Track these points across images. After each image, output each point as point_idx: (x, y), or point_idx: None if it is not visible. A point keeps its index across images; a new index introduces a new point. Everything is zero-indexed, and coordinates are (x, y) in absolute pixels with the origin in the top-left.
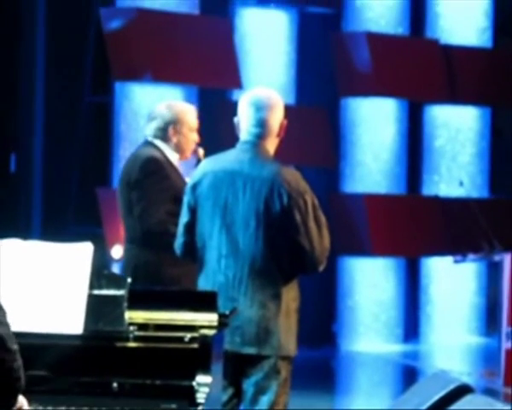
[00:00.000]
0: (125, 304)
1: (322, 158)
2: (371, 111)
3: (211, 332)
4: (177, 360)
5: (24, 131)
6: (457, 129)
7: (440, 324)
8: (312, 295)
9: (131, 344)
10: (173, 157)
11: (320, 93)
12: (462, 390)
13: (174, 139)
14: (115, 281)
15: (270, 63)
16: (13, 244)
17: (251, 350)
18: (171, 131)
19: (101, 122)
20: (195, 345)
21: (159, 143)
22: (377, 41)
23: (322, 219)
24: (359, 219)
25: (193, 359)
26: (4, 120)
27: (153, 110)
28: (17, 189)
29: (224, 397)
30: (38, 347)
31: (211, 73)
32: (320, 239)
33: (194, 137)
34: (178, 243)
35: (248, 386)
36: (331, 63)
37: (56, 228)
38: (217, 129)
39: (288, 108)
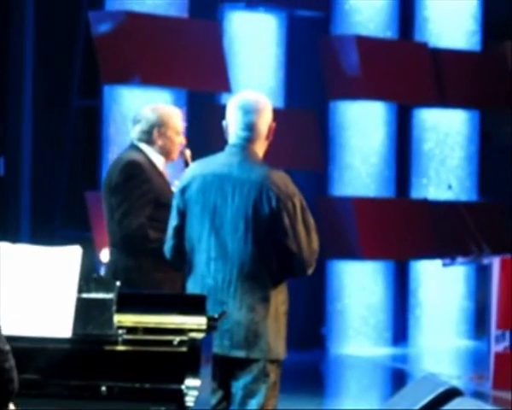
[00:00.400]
0: (114, 307)
1: (311, 161)
2: (360, 114)
3: (200, 336)
4: (166, 364)
5: (12, 135)
6: (446, 132)
7: (429, 327)
8: (301, 299)
9: (120, 348)
10: (158, 160)
11: (309, 96)
12: (451, 394)
13: (159, 142)
14: (104, 284)
15: (259, 66)
16: (1, 248)
17: (240, 353)
18: (155, 134)
19: (90, 126)
20: (184, 348)
21: (143, 146)
22: (366, 44)
23: (311, 221)
24: (348, 222)
25: (182, 362)
26: None
27: (138, 113)
28: (6, 192)
29: (213, 400)
30: (27, 350)
31: (200, 76)
32: (309, 242)
33: (180, 139)
34: (168, 246)
35: (237, 389)
36: (320, 66)
37: (45, 232)
38: (206, 132)
39: (276, 112)
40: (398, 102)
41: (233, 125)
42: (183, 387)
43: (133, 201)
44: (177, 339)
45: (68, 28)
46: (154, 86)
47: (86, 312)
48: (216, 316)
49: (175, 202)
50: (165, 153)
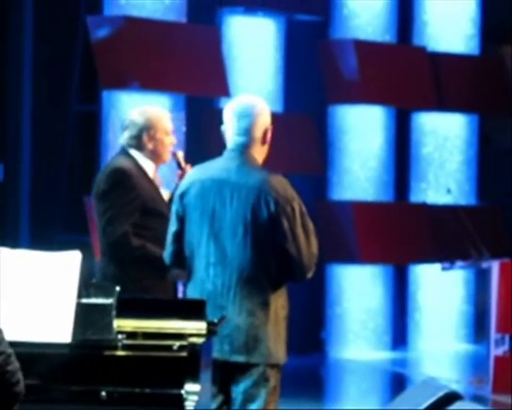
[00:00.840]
0: (114, 312)
1: (310, 165)
2: (359, 118)
3: (199, 340)
4: (165, 369)
5: (11, 141)
6: (445, 136)
7: (429, 331)
8: (301, 303)
9: (120, 353)
10: (148, 166)
11: (307, 101)
12: (450, 397)
13: (149, 146)
14: (104, 289)
15: (257, 71)
16: (1, 253)
17: (240, 358)
18: (145, 138)
19: (89, 131)
20: (184, 353)
21: (133, 151)
22: (364, 48)
23: (310, 226)
24: (347, 226)
25: (182, 367)
26: None
27: (125, 118)
28: (5, 198)
29: (214, 405)
30: (27, 356)
31: (198, 81)
32: (308, 246)
33: (170, 139)
34: (167, 252)
35: (237, 394)
36: (318, 71)
37: (44, 237)
38: (204, 137)
39: (275, 116)
40: (397, 106)
41: (229, 130)
42: (182, 392)
43: (118, 208)
44: (176, 344)
45: (67, 33)
46: (153, 91)
47: (86, 317)
48: (216, 321)
49: (174, 208)
50: (157, 156)
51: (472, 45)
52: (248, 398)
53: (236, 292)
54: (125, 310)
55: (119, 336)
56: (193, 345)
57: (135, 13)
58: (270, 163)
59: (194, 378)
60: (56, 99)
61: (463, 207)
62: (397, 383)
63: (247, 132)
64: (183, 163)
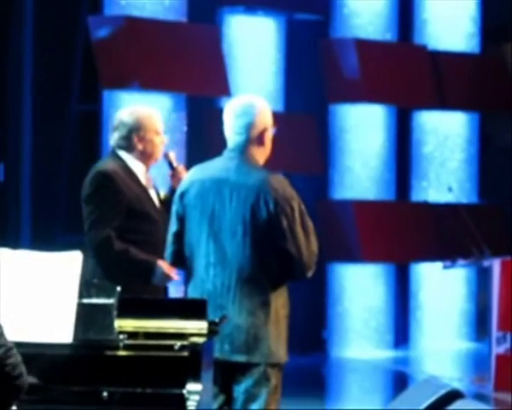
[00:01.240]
0: (115, 312)
1: (311, 165)
2: (360, 117)
3: (201, 340)
4: (167, 368)
5: (12, 141)
6: (446, 135)
7: (430, 329)
8: (302, 302)
9: (121, 353)
10: (137, 167)
11: (308, 100)
12: (452, 396)
13: (139, 146)
14: (105, 289)
15: (258, 70)
16: (2, 254)
17: (240, 358)
18: (135, 139)
19: (90, 131)
20: (185, 353)
21: (122, 153)
22: (365, 47)
23: (310, 225)
24: (348, 225)
25: (183, 367)
26: None
27: (115, 118)
28: (6, 198)
29: (215, 405)
30: (28, 356)
31: (199, 80)
32: (308, 245)
33: (161, 139)
34: (168, 252)
35: (238, 393)
36: (319, 70)
37: (45, 237)
38: (205, 136)
39: (276, 115)
40: (398, 105)
41: (228, 129)
42: (184, 392)
43: (100, 212)
44: (178, 344)
45: (68, 33)
46: (154, 91)
47: (87, 317)
48: (217, 320)
49: (174, 208)
50: (147, 156)
51: (472, 44)
52: (250, 398)
53: (236, 292)
54: (127, 310)
55: (121, 336)
56: (194, 345)
57: (135, 13)
58: (271, 162)
59: (196, 378)
60: (57, 99)
61: (465, 206)
62: (399, 381)
63: (245, 131)
64: (174, 163)
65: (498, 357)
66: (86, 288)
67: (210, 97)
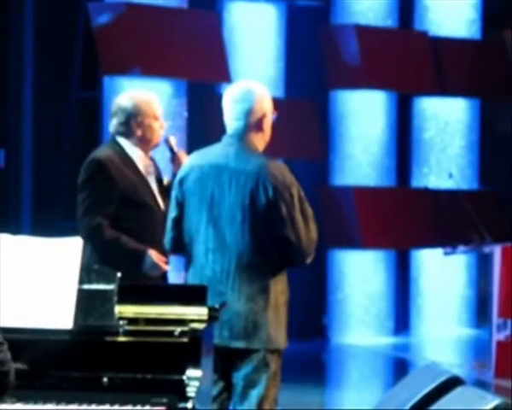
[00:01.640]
0: (115, 298)
1: (312, 151)
2: (360, 104)
3: (201, 326)
4: (167, 354)
5: (13, 127)
6: (446, 121)
7: (431, 316)
8: (303, 289)
9: (121, 339)
10: (136, 154)
11: (309, 86)
12: (452, 382)
13: (138, 132)
14: (105, 275)
15: (258, 56)
16: (2, 239)
17: (239, 344)
18: (133, 124)
19: (90, 117)
20: (185, 339)
21: (121, 139)
22: (366, 34)
23: (309, 211)
24: (349, 211)
25: (183, 353)
26: None
27: (113, 105)
28: (6, 184)
29: (214, 391)
30: (28, 342)
31: (200, 66)
32: (307, 231)
33: (160, 124)
34: (167, 238)
35: (238, 380)
36: (320, 56)
37: (46, 223)
38: (206, 122)
39: (277, 102)
40: (399, 91)
41: (227, 115)
42: (184, 378)
43: (92, 200)
44: (178, 330)
45: (68, 20)
46: (154, 77)
47: (87, 303)
48: (217, 306)
49: (173, 193)
50: (146, 142)
51: (473, 30)
52: (249, 384)
53: (235, 278)
54: (127, 296)
55: (121, 322)
56: (194, 331)
57: None
58: (271, 149)
59: (196, 364)
60: (57, 85)
61: (465, 192)
62: (399, 368)
63: (244, 117)
64: (175, 148)
65: (499, 344)
66: (86, 274)
67: (210, 83)
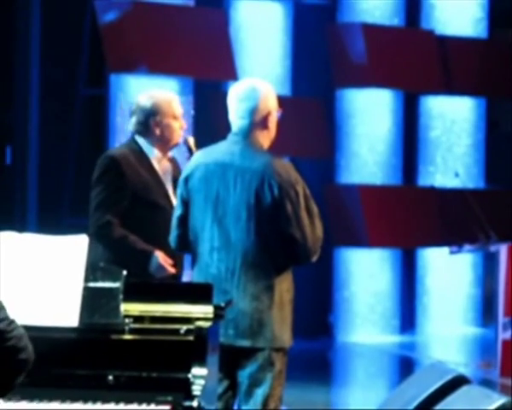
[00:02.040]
0: (121, 296)
1: (318, 149)
2: (367, 102)
3: (206, 324)
4: (172, 353)
5: (19, 124)
6: (453, 120)
7: (437, 315)
8: (308, 287)
9: (127, 337)
10: (153, 153)
11: (315, 84)
12: (458, 381)
13: (157, 131)
14: (110, 273)
15: (265, 54)
16: (8, 237)
17: (245, 343)
18: (152, 123)
19: (97, 114)
20: (191, 337)
21: (139, 138)
22: (372, 32)
23: (315, 209)
24: (355, 210)
25: (188, 351)
26: None
27: (133, 103)
28: (13, 181)
29: (219, 389)
30: (33, 340)
31: (206, 64)
32: (312, 229)
33: (180, 124)
34: (172, 236)
35: (243, 378)
36: (326, 54)
37: (52, 220)
38: (212, 120)
39: (283, 100)
40: (405, 90)
41: (232, 113)
42: (189, 376)
43: (103, 197)
44: (183, 328)
45: (75, 17)
46: (161, 75)
47: (93, 301)
48: (222, 305)
49: (179, 192)
50: (165, 141)
51: (480, 29)
52: (254, 382)
53: (240, 276)
54: (132, 294)
55: (126, 320)
56: (200, 329)
57: None
58: (277, 147)
59: (201, 362)
60: (64, 83)
61: (471, 191)
62: (405, 366)
63: (249, 115)
64: (194, 149)
65: (504, 343)
66: (92, 271)
67: (217, 81)
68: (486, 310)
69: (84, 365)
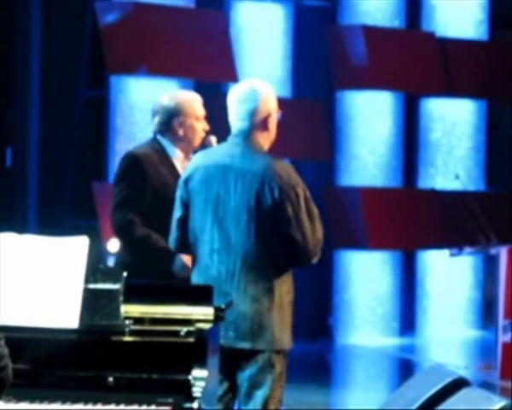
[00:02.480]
0: (121, 298)
1: (318, 151)
2: (367, 104)
3: (207, 326)
4: (173, 354)
5: (19, 126)
6: (453, 122)
7: (437, 317)
8: (309, 289)
9: (127, 338)
10: (175, 153)
11: (316, 86)
12: (458, 384)
13: (180, 132)
14: (111, 275)
15: (266, 56)
16: (9, 238)
17: (245, 345)
18: (175, 124)
19: (97, 116)
20: (191, 339)
21: (161, 138)
22: (373, 34)
23: (315, 211)
24: (355, 212)
25: (189, 353)
26: (0, 115)
27: (156, 104)
28: (13, 183)
29: (219, 391)
30: (33, 341)
31: (206, 66)
32: (313, 231)
33: (202, 125)
34: (172, 237)
35: (243, 380)
36: (327, 56)
37: (52, 222)
38: (212, 122)
39: (284, 101)
40: (406, 92)
41: (232, 115)
42: (190, 377)
43: (125, 195)
44: (184, 329)
45: (75, 18)
46: (161, 76)
47: (93, 302)
48: (223, 306)
49: (178, 193)
50: (187, 141)
51: (481, 31)
52: (254, 384)
53: (241, 278)
54: (133, 295)
55: (127, 322)
56: (200, 331)
57: None
58: (278, 148)
59: (202, 364)
60: (64, 84)
61: (472, 193)
62: (405, 369)
63: (249, 117)
64: None
65: (504, 345)
66: (93, 273)
67: (217, 83)
68: (486, 312)
69: (85, 366)
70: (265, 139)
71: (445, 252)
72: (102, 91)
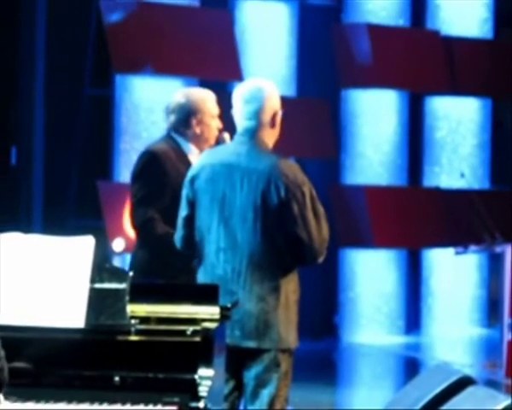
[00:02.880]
0: (127, 297)
1: (323, 150)
2: (372, 103)
3: (213, 325)
4: (179, 354)
5: (24, 124)
6: (458, 120)
7: (442, 315)
8: (314, 288)
9: (133, 338)
10: (191, 150)
11: (321, 85)
12: (463, 382)
13: (197, 130)
14: (117, 274)
15: (270, 55)
16: (14, 238)
17: (251, 344)
18: (193, 122)
19: (102, 115)
20: (198, 338)
21: (176, 136)
22: (378, 33)
23: (321, 210)
24: (360, 210)
25: (195, 352)
26: (5, 113)
27: (171, 102)
28: (18, 182)
29: (225, 390)
30: (39, 341)
31: (211, 65)
32: (319, 230)
33: (216, 123)
34: (178, 236)
35: (249, 379)
36: (332, 55)
37: (57, 221)
38: None
39: (288, 100)
40: (410, 91)
41: (238, 114)
42: (196, 377)
43: (145, 192)
44: (190, 329)
45: (80, 17)
46: (166, 75)
47: (99, 302)
48: (229, 305)
49: (184, 192)
50: (203, 139)
51: (485, 29)
52: (260, 383)
53: (247, 277)
54: (139, 295)
55: (133, 321)
56: (206, 330)
57: None
58: (283, 147)
59: (208, 363)
60: (69, 83)
61: (477, 192)
62: (410, 367)
63: (256, 116)
64: None
65: (510, 343)
66: (98, 273)
67: (222, 82)
68: (492, 311)
69: (91, 366)
70: (271, 137)
71: (450, 250)
72: (107, 90)
